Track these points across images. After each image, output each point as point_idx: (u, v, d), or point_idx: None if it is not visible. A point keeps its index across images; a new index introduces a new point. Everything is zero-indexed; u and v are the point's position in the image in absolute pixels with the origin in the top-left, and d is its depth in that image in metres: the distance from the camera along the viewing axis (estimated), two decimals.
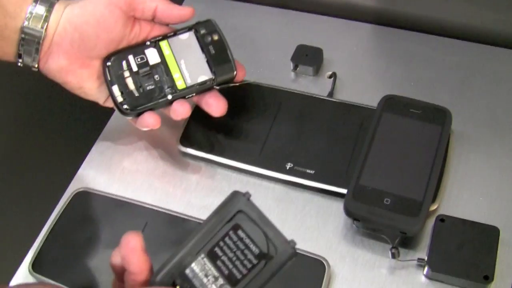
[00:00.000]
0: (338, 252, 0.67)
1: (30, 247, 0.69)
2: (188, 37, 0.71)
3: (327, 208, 0.70)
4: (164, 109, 0.71)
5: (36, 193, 0.85)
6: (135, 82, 0.70)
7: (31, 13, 0.67)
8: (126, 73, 0.70)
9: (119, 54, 0.70)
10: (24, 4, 0.67)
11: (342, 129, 0.74)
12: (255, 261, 0.49)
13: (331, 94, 0.79)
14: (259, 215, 0.50)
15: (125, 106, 0.70)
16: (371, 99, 0.75)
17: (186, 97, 0.70)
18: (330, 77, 0.81)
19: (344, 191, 0.67)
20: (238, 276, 0.49)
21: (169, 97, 0.70)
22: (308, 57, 0.82)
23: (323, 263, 0.64)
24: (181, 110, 0.69)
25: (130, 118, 0.71)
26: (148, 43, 0.71)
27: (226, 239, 0.50)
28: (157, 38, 0.71)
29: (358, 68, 0.83)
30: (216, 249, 0.50)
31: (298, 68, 0.82)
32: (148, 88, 0.70)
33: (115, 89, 0.70)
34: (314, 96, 0.78)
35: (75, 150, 0.79)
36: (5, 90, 0.93)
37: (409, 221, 0.63)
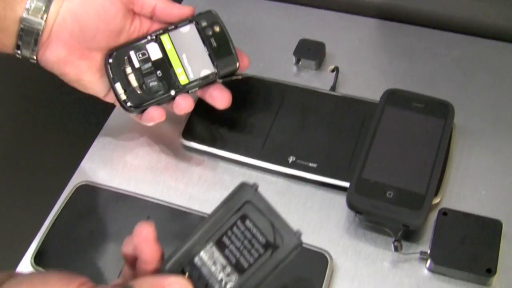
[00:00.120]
0: (341, 245, 0.67)
1: (33, 240, 0.69)
2: (189, 30, 0.71)
3: (329, 202, 0.70)
4: (166, 104, 0.71)
5: (38, 187, 0.84)
6: (137, 79, 0.70)
7: (31, 4, 0.66)
8: (128, 70, 0.70)
9: (120, 50, 0.70)
10: None
11: (344, 122, 0.74)
12: (261, 251, 0.50)
13: (333, 88, 0.79)
14: (266, 206, 0.51)
15: (129, 104, 0.69)
16: (373, 93, 0.75)
17: (189, 91, 0.70)
18: (332, 71, 0.81)
19: (346, 184, 0.67)
20: (245, 264, 0.50)
21: (172, 92, 0.69)
22: (310, 51, 0.82)
23: (325, 256, 0.64)
24: (184, 104, 0.69)
25: (134, 114, 0.71)
26: (149, 37, 0.70)
27: (234, 228, 0.51)
28: (158, 32, 0.71)
29: (361, 62, 0.83)
30: (224, 238, 0.51)
31: (300, 62, 0.82)
32: (151, 84, 0.70)
33: (118, 86, 0.70)
34: (316, 90, 0.78)
35: (77, 144, 0.79)
36: (7, 84, 0.93)
37: (412, 214, 0.63)
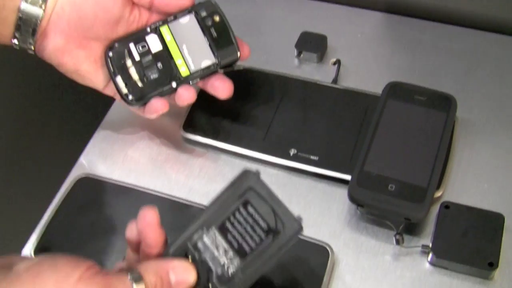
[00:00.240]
0: (342, 239, 0.66)
1: (33, 232, 0.69)
2: (188, 21, 0.70)
3: (331, 195, 0.70)
4: (168, 96, 0.70)
5: (38, 180, 0.84)
6: (138, 72, 0.69)
7: None
8: (129, 63, 0.69)
9: (120, 43, 0.69)
10: None
11: (346, 115, 0.74)
12: (263, 236, 0.51)
13: (335, 81, 0.79)
14: (268, 192, 0.52)
15: (131, 97, 0.69)
16: (375, 86, 0.74)
17: (191, 83, 0.70)
18: (334, 64, 0.80)
19: (348, 177, 0.67)
20: (247, 249, 0.51)
21: (174, 84, 0.69)
22: (312, 44, 0.82)
23: (327, 249, 0.64)
24: (186, 95, 0.69)
25: (136, 108, 0.71)
26: (148, 29, 0.70)
27: (237, 214, 0.52)
28: (158, 23, 0.70)
29: (363, 55, 0.83)
30: (227, 223, 0.52)
31: (302, 55, 0.82)
32: (152, 77, 0.69)
33: (119, 80, 0.69)
34: (318, 82, 0.78)
35: (77, 137, 0.79)
36: (7, 78, 0.93)
37: (414, 207, 0.63)
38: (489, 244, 0.62)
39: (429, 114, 0.70)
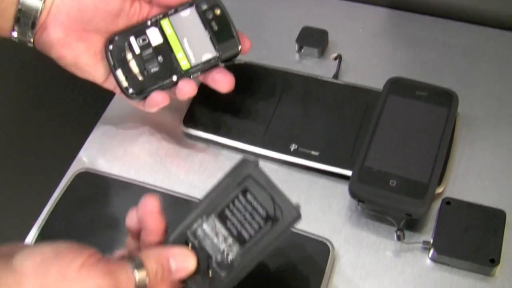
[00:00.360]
0: (343, 234, 0.66)
1: (32, 227, 0.69)
2: (189, 14, 0.70)
3: (331, 190, 0.69)
4: (169, 90, 0.70)
5: (37, 174, 0.84)
6: (138, 65, 0.69)
7: None
8: (129, 56, 0.69)
9: (120, 36, 0.69)
10: None
11: (347, 111, 0.74)
12: (262, 223, 0.52)
13: (336, 76, 0.78)
14: (267, 180, 0.53)
15: (131, 91, 0.69)
16: (376, 82, 0.74)
17: (191, 76, 0.69)
18: (335, 59, 0.80)
19: (349, 173, 0.67)
20: (246, 236, 0.52)
21: (174, 78, 0.69)
22: (313, 39, 0.81)
23: (327, 245, 0.64)
24: (187, 89, 0.68)
25: (137, 101, 0.70)
26: (149, 22, 0.70)
27: (236, 201, 0.53)
28: (158, 17, 0.70)
29: (364, 51, 0.82)
30: (226, 211, 0.53)
31: (303, 50, 0.81)
32: (152, 70, 0.69)
33: (119, 73, 0.69)
34: (319, 78, 0.77)
35: (77, 131, 0.79)
36: (7, 72, 0.92)
37: (415, 203, 0.63)
38: (490, 241, 0.62)
39: (431, 109, 0.69)
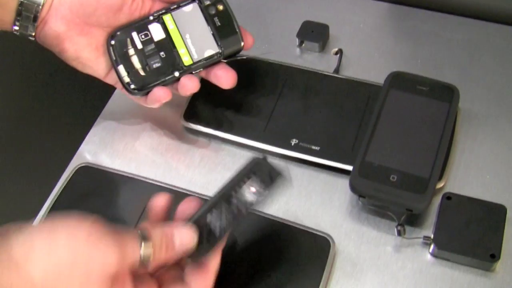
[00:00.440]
0: (343, 229, 0.66)
1: (33, 221, 0.69)
2: (192, 9, 0.70)
3: (332, 185, 0.69)
4: (171, 85, 0.70)
5: (38, 168, 0.84)
6: (140, 61, 0.69)
7: None
8: (131, 52, 0.69)
9: (122, 31, 0.69)
10: None
11: (348, 105, 0.73)
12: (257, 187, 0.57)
13: (337, 70, 0.78)
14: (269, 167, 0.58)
15: (133, 86, 0.69)
16: (377, 76, 0.74)
17: (194, 72, 0.69)
18: (336, 53, 0.80)
19: (349, 167, 0.67)
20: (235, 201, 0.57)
21: (176, 74, 0.69)
22: (314, 33, 0.81)
23: (328, 240, 0.64)
24: (190, 85, 0.68)
25: (138, 97, 0.70)
26: (151, 17, 0.69)
27: (240, 184, 0.57)
28: (160, 12, 0.70)
29: (365, 45, 0.82)
30: (232, 194, 0.57)
31: (303, 44, 0.81)
32: (154, 66, 0.69)
33: (121, 69, 0.69)
34: (319, 72, 0.77)
35: (77, 126, 0.79)
36: (8, 66, 0.92)
37: (416, 198, 0.63)
38: (491, 236, 0.62)
39: (432, 104, 0.69)
